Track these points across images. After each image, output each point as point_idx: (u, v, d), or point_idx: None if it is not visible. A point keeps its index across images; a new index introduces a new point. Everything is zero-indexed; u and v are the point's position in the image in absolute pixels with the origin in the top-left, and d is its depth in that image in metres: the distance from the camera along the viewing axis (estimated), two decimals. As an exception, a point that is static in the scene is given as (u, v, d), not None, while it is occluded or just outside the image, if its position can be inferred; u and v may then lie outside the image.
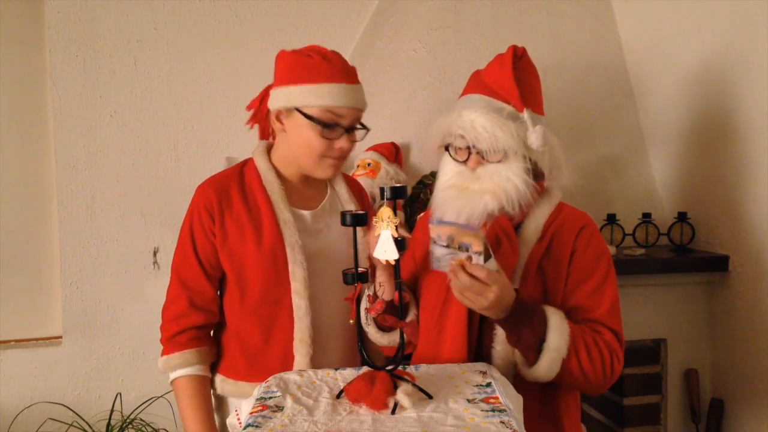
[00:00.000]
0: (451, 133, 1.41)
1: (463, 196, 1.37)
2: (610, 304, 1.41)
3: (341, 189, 1.66)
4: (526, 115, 1.38)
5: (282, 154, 1.58)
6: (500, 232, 1.39)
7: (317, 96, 1.47)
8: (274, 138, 1.62)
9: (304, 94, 1.48)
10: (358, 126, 1.54)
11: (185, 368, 1.54)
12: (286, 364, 1.49)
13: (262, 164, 1.58)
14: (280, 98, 1.52)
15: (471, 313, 1.39)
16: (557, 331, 1.30)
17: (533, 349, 1.31)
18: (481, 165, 1.38)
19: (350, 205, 1.64)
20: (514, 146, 1.36)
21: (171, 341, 1.54)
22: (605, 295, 1.41)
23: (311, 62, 1.50)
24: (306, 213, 1.58)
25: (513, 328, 1.30)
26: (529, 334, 1.30)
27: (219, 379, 1.59)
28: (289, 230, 1.52)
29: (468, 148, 1.39)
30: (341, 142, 1.50)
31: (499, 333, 1.39)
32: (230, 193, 1.54)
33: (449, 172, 1.42)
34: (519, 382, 1.38)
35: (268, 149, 1.61)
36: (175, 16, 2.41)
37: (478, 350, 1.42)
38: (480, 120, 1.36)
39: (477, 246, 1.22)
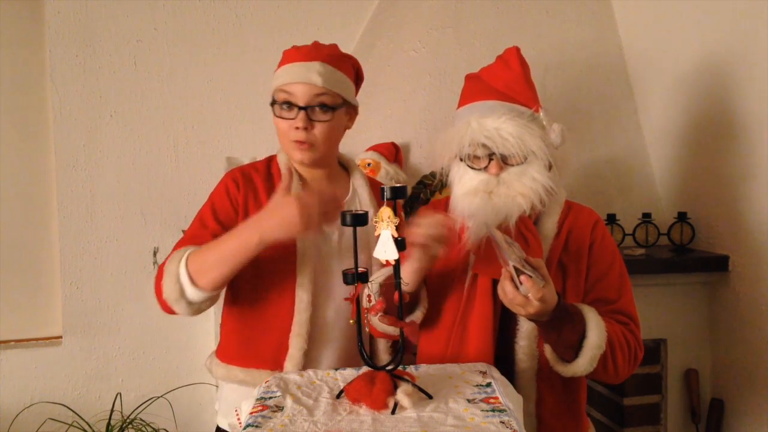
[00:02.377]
0: (472, 143, 1.40)
1: (495, 200, 1.38)
2: (630, 293, 1.47)
3: (363, 191, 1.66)
4: (542, 114, 1.42)
5: None
6: (525, 231, 1.40)
7: (275, 79, 1.55)
8: None
9: (272, 82, 1.56)
10: (323, 107, 1.51)
11: (187, 251, 1.43)
12: (279, 354, 1.50)
13: (283, 161, 1.61)
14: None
15: (495, 310, 1.40)
16: (596, 330, 1.32)
17: (573, 347, 1.33)
18: (503, 170, 1.39)
19: (369, 208, 1.64)
20: (538, 148, 1.38)
21: (166, 259, 1.46)
22: (626, 285, 1.47)
23: (286, 52, 1.57)
24: None
25: (553, 328, 1.31)
26: (569, 334, 1.31)
27: (215, 363, 1.60)
28: None
29: (489, 155, 1.40)
30: (297, 122, 1.50)
31: (523, 328, 1.40)
32: (255, 184, 1.57)
33: (470, 181, 1.42)
34: (542, 375, 1.40)
35: None
36: (175, 16, 2.41)
37: (498, 346, 1.43)
38: (507, 128, 1.37)
39: (512, 270, 1.22)
